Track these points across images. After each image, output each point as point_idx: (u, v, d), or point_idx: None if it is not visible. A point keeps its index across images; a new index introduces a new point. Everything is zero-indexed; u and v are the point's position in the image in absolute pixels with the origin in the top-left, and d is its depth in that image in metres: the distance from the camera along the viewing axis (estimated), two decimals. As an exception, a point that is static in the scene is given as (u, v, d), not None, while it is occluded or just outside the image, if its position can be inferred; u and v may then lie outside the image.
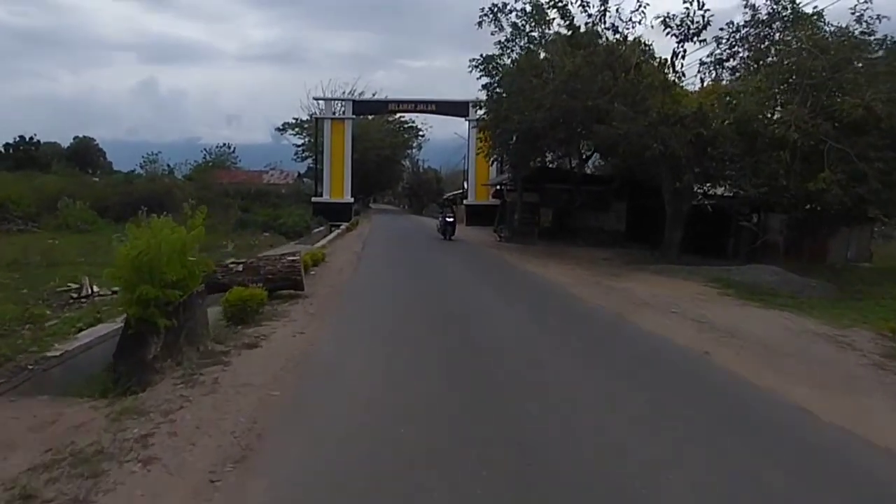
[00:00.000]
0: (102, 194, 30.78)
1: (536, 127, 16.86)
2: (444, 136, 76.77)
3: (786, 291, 11.07)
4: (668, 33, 15.26)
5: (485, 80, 20.02)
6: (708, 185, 17.24)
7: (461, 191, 56.88)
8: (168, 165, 48.49)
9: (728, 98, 14.45)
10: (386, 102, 38.62)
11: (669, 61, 15.64)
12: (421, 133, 65.99)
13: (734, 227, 18.04)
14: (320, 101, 38.34)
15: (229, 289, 7.69)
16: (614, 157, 16.66)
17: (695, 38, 15.28)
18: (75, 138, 61.21)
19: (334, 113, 37.19)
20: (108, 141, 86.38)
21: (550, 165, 25.58)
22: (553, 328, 7.87)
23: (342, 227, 32.20)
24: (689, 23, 15.11)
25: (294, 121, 53.53)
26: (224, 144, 60.52)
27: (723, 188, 17.06)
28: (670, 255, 16.74)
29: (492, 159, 26.97)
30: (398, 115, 61.10)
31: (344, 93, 50.62)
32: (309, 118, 46.99)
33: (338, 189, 36.15)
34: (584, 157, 25.09)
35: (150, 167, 48.38)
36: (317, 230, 28.18)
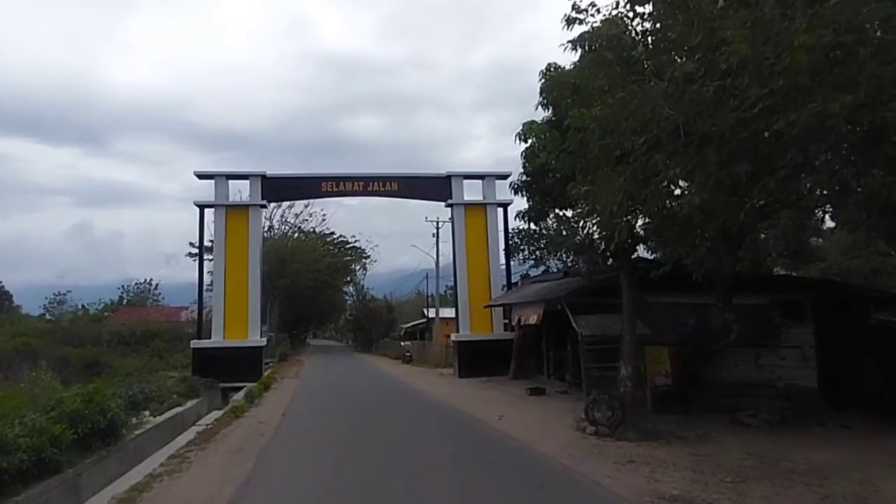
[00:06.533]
0: None
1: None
2: (385, 268, 67.20)
3: None
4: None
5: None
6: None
7: (423, 321, 43.73)
8: (82, 306, 47.08)
9: None
10: (318, 179, 23.42)
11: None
12: (366, 255, 54.50)
13: None
14: (209, 181, 22.88)
15: None
16: None
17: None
18: (-23, 281, 55.71)
19: (229, 199, 22.96)
20: (35, 285, 76.31)
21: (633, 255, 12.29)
22: None
23: (240, 394, 17.24)
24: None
25: (210, 243, 40.56)
26: (145, 281, 58.06)
27: None
28: None
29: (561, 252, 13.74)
30: (338, 235, 51.37)
31: (271, 214, 40.15)
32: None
33: (238, 323, 21.24)
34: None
35: (56, 309, 47.61)
36: (160, 419, 12.83)
